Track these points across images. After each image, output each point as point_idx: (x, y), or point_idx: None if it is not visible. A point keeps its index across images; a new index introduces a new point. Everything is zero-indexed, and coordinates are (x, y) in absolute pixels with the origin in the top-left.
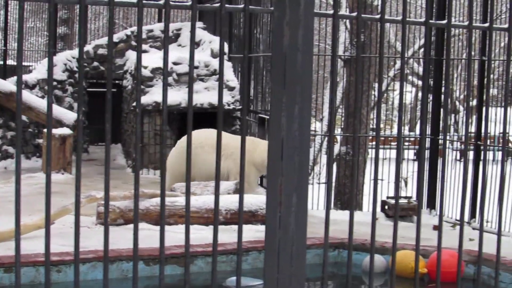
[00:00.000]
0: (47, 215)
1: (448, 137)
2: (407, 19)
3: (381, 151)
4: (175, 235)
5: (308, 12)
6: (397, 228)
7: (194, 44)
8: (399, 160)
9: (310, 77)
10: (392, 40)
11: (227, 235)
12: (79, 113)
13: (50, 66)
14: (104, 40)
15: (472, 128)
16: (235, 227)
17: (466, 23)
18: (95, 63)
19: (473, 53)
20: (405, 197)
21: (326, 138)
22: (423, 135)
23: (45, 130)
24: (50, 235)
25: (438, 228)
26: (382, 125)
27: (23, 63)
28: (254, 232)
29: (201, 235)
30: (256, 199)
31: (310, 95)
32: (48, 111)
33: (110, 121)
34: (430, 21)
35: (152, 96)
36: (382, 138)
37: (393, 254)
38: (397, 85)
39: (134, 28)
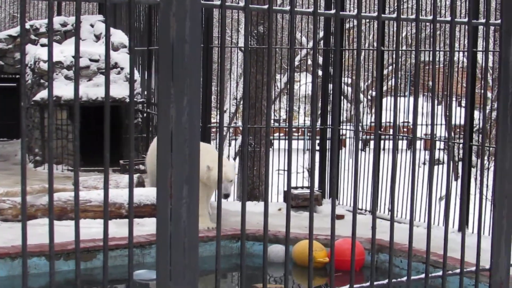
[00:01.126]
0: None
1: (349, 127)
2: (296, 9)
3: (284, 142)
4: (80, 229)
5: (195, 3)
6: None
7: (79, 37)
8: (290, 150)
9: (199, 69)
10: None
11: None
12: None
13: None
14: (2, 34)
15: (372, 118)
16: (138, 220)
17: (354, 13)
18: None
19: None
20: (307, 187)
21: (230, 130)
22: (314, 125)
23: None
24: None
25: (339, 217)
26: (284, 116)
27: None
28: None
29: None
30: None
31: (199, 86)
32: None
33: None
34: (319, 11)
35: (53, 90)
36: (284, 129)
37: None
38: (300, 76)
39: (34, 22)
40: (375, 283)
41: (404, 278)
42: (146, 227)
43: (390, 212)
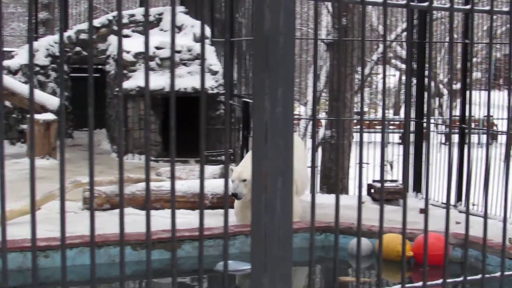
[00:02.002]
0: (32, 200)
1: (432, 121)
2: (388, 1)
3: (366, 134)
4: (162, 219)
5: None
6: (383, 210)
7: (175, 28)
8: (383, 144)
9: (293, 60)
10: (375, 24)
11: (214, 219)
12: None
13: (31, 52)
14: (86, 25)
15: (457, 111)
16: (222, 211)
17: (447, 6)
18: (77, 48)
19: (456, 36)
20: (391, 181)
21: (311, 122)
22: (407, 118)
23: (29, 115)
24: (37, 220)
25: (424, 211)
26: (366, 109)
27: (5, 49)
28: None
29: (188, 219)
30: None
31: (293, 78)
32: (30, 96)
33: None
34: (412, 3)
35: (136, 81)
36: (367, 122)
37: (380, 237)
38: (380, 68)
39: (116, 13)
40: (468, 278)
41: (498, 274)
42: (230, 217)
43: (482, 208)
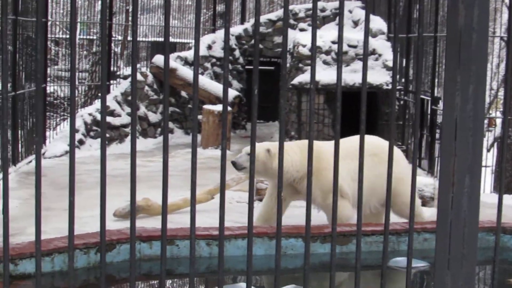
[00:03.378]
0: (192, 192)
1: None
2: None
3: None
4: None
5: None
6: None
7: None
8: None
9: (485, 57)
10: None
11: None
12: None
13: (197, 50)
14: (263, 18)
15: None
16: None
17: None
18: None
19: None
20: None
21: (487, 121)
22: None
23: (204, 106)
24: (209, 210)
25: None
26: None
27: (182, 40)
28: None
29: None
30: (418, 181)
31: (485, 75)
32: (195, 84)
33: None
34: None
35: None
36: None
37: None
38: None
39: (293, 7)
40: None
41: None
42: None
43: None
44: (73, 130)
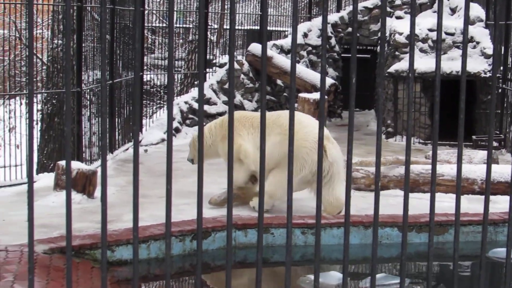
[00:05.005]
0: (289, 175)
1: None
2: None
3: None
4: (429, 202)
5: None
6: None
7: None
8: None
9: None
10: None
11: (481, 205)
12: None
13: (294, 38)
14: (359, 6)
15: None
16: (492, 197)
17: None
18: (350, 29)
19: None
20: None
21: None
22: None
23: (300, 94)
24: (303, 198)
25: None
26: None
27: (279, 28)
28: None
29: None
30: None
31: None
32: (292, 73)
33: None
34: None
35: (407, 62)
36: None
37: None
38: None
39: None
40: None
41: None
42: (499, 204)
43: None
44: (170, 118)
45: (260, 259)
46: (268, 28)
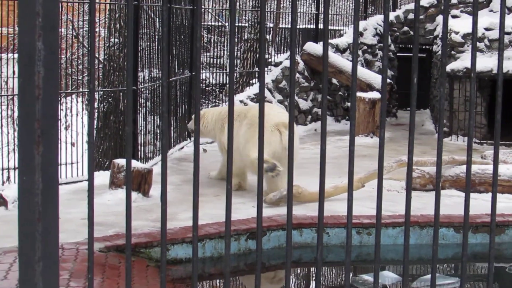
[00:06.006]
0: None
1: None
2: None
3: None
4: (485, 203)
5: None
6: None
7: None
8: None
9: None
10: None
11: None
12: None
13: (355, 38)
14: (413, 5)
15: None
16: None
17: None
18: (405, 28)
19: None
20: None
21: None
22: None
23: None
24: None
25: None
26: None
27: (334, 27)
28: None
29: None
30: None
31: None
32: (353, 73)
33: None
34: None
35: (463, 62)
36: None
37: None
38: None
39: None
40: None
41: None
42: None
43: None
44: (231, 117)
45: (320, 260)
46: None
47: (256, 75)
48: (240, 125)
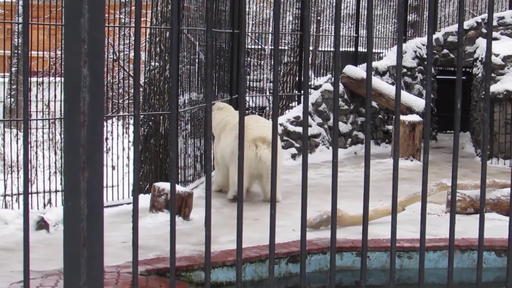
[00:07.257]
0: (393, 201)
1: None
2: None
3: None
4: None
5: None
6: None
7: None
8: None
9: None
10: None
11: None
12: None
13: (399, 53)
14: (454, 28)
15: None
16: None
17: None
18: (445, 51)
19: None
20: None
21: None
22: None
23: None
24: (399, 221)
25: None
26: None
27: (373, 50)
28: None
29: None
30: None
31: None
32: (397, 97)
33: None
34: None
35: (504, 84)
36: None
37: None
38: None
39: (484, 15)
40: None
41: None
42: None
43: None
44: (275, 139)
45: (364, 285)
46: (362, 49)
47: (296, 98)
48: (230, 133)
